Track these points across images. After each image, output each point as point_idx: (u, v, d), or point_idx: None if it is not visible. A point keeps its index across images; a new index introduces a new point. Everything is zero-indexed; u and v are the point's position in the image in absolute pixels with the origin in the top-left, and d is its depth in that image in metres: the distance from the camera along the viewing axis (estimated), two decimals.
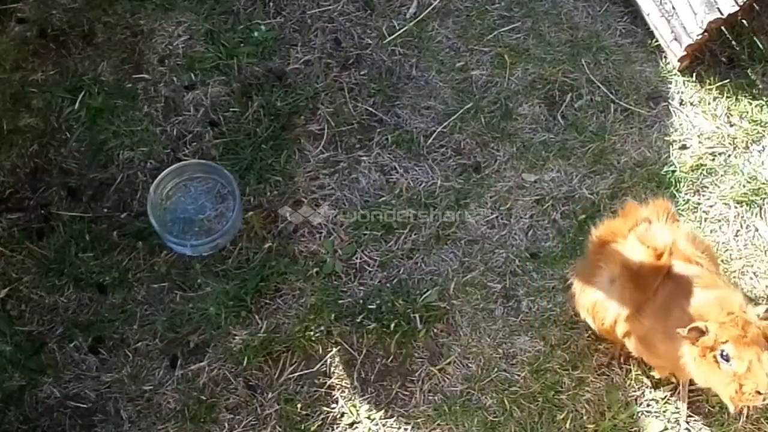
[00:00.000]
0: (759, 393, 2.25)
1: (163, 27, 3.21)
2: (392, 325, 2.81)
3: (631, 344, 2.55)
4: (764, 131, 3.11)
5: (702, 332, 2.29)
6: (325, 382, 2.77)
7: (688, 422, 2.72)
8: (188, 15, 3.23)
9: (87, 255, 2.89)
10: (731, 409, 2.34)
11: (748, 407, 2.38)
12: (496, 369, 2.76)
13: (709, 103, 3.15)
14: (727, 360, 2.27)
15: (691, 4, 3.07)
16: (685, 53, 3.11)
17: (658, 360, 2.59)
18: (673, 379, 2.75)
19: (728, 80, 3.17)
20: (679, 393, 2.75)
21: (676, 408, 2.73)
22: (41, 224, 2.93)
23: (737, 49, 3.22)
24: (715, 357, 2.30)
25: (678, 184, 3.03)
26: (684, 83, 3.18)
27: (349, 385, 2.77)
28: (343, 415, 2.74)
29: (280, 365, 2.78)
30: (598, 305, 2.53)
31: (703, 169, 3.05)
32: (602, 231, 2.56)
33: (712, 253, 2.64)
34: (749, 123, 3.12)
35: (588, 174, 3.04)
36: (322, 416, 2.73)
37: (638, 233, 2.44)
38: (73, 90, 3.10)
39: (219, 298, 2.84)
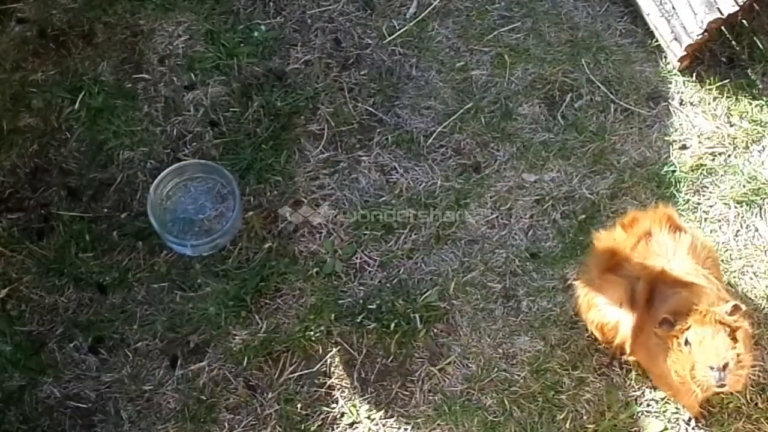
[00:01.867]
0: (711, 368, 2.26)
1: (163, 27, 3.21)
2: (392, 325, 2.81)
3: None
4: (764, 131, 3.11)
5: (671, 323, 2.33)
6: (325, 382, 2.77)
7: (688, 422, 2.72)
8: (188, 15, 3.23)
9: (87, 255, 2.89)
10: (699, 395, 2.36)
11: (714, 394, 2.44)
12: (496, 369, 2.76)
13: (709, 103, 3.15)
14: (689, 345, 2.31)
15: (691, 4, 3.07)
16: (685, 53, 3.11)
17: (661, 379, 2.61)
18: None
19: (728, 80, 3.17)
20: None
21: (676, 408, 2.73)
22: (41, 224, 2.93)
23: (737, 49, 3.22)
24: (680, 345, 2.33)
25: (678, 184, 3.03)
26: (684, 83, 3.18)
27: (349, 385, 2.77)
28: (343, 415, 2.74)
29: (280, 365, 2.78)
30: (606, 323, 2.57)
31: (703, 169, 3.05)
32: (606, 243, 2.58)
33: (715, 255, 2.66)
34: (749, 123, 3.12)
35: (588, 174, 3.04)
36: (322, 416, 2.73)
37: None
38: (73, 90, 3.10)
39: (219, 298, 2.84)
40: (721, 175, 3.05)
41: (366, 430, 2.73)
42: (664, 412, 2.73)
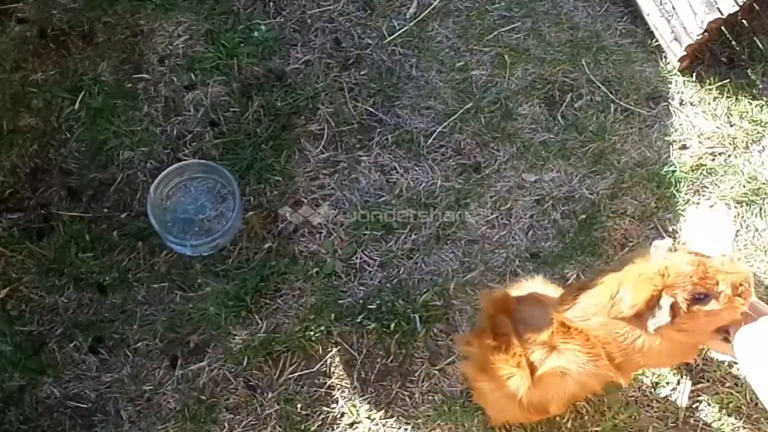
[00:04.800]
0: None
1: (163, 27, 3.21)
2: (392, 325, 2.81)
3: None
4: (764, 131, 3.12)
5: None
6: (325, 382, 2.77)
7: (687, 422, 2.72)
8: (188, 15, 3.23)
9: (87, 255, 2.89)
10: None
11: None
12: None
13: (709, 103, 3.15)
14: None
15: (691, 4, 3.07)
16: (685, 53, 3.11)
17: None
18: (668, 379, 2.76)
19: (728, 80, 3.17)
20: (679, 393, 2.75)
21: (676, 408, 2.73)
22: (41, 224, 2.93)
23: (737, 49, 3.22)
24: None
25: (678, 184, 3.03)
26: (684, 83, 3.18)
27: (349, 385, 2.77)
28: (343, 415, 2.74)
29: (280, 365, 2.78)
30: None
31: (703, 169, 3.05)
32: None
33: None
34: (749, 123, 3.12)
35: (588, 174, 3.04)
36: (322, 416, 2.73)
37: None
38: (73, 90, 3.10)
39: (219, 298, 2.84)
40: (721, 175, 3.05)
41: (366, 430, 2.73)
42: (664, 411, 2.74)
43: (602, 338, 2.15)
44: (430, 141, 3.07)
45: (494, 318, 2.27)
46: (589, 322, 2.16)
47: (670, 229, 2.95)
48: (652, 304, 2.04)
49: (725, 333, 2.14)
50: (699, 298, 2.05)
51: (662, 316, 2.02)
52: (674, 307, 2.03)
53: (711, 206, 2.35)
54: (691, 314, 2.05)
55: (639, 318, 2.08)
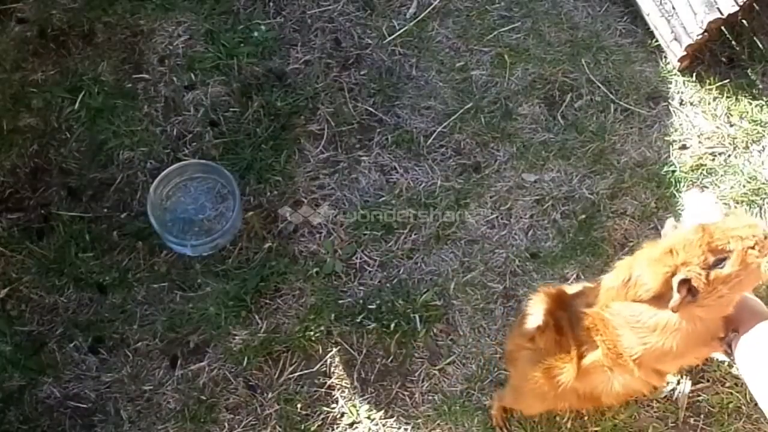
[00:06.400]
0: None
1: (163, 27, 3.21)
2: (392, 325, 2.81)
3: None
4: (764, 131, 3.12)
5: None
6: (325, 382, 2.77)
7: (687, 422, 2.72)
8: (188, 15, 3.23)
9: (87, 255, 2.89)
10: None
11: None
12: (496, 369, 2.76)
13: (709, 103, 3.15)
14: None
15: (691, 4, 3.07)
16: (685, 53, 3.11)
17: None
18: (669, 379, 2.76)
19: (728, 80, 3.17)
20: (679, 393, 2.75)
21: (676, 408, 2.73)
22: (41, 224, 2.93)
23: (737, 49, 3.22)
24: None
25: (678, 184, 3.03)
26: (684, 83, 3.18)
27: (349, 385, 2.77)
28: (343, 415, 2.74)
29: (280, 365, 2.78)
30: None
31: (703, 169, 3.05)
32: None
33: None
34: (749, 123, 3.12)
35: (588, 174, 3.04)
36: (322, 416, 2.74)
37: None
38: (73, 90, 3.10)
39: (219, 298, 2.84)
40: (721, 175, 3.05)
41: (366, 430, 2.73)
42: (663, 411, 2.73)
43: (619, 324, 2.15)
44: (430, 141, 3.07)
45: (554, 314, 2.29)
46: (609, 309, 2.16)
47: None
48: (670, 284, 1.99)
49: (727, 346, 2.14)
50: (716, 264, 1.96)
51: (675, 295, 1.97)
52: (692, 283, 1.96)
53: (700, 193, 2.32)
54: (710, 284, 1.97)
55: (659, 300, 2.05)
